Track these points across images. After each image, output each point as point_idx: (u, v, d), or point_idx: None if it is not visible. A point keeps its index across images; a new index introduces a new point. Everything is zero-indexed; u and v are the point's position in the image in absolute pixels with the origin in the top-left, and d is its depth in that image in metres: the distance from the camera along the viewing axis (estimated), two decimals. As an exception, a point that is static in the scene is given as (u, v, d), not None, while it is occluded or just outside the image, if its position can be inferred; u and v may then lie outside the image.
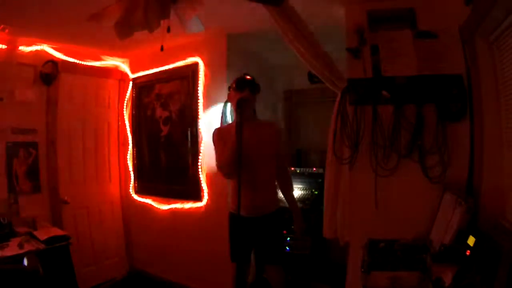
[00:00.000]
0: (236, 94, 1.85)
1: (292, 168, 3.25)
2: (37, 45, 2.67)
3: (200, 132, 2.79)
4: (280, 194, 2.14)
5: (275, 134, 2.01)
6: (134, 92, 3.34)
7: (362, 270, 1.55)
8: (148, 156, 3.24)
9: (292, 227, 2.12)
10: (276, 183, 2.07)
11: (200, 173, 2.80)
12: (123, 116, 3.40)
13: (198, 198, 2.81)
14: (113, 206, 3.35)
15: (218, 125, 2.63)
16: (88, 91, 3.15)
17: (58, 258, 2.25)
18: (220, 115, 2.68)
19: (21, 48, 2.57)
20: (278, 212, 2.02)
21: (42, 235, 2.28)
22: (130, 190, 3.37)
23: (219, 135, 1.99)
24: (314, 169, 3.17)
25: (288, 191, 2.12)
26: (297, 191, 3.03)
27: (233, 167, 1.82)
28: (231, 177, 1.91)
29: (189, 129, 2.87)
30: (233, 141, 1.76)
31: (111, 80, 3.33)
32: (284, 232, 2.42)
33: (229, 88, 1.97)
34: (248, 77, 1.91)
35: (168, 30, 1.48)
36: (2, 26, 2.26)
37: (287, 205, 2.13)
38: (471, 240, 1.28)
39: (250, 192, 1.89)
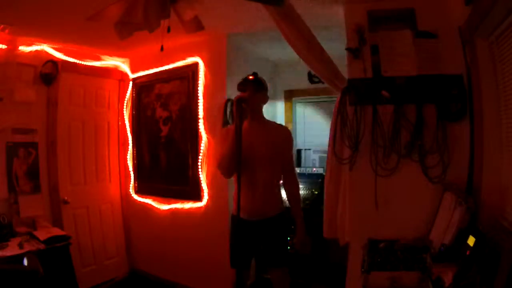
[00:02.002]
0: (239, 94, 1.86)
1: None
2: (37, 45, 2.67)
3: (200, 132, 2.79)
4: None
5: (283, 138, 1.95)
6: (134, 92, 3.34)
7: (362, 270, 1.55)
8: (148, 156, 3.24)
9: (293, 239, 2.02)
10: (280, 187, 2.02)
11: (200, 173, 2.80)
12: (123, 116, 3.40)
13: (198, 198, 2.81)
14: (113, 206, 3.35)
15: (219, 125, 2.64)
16: (88, 91, 3.15)
17: (58, 258, 2.25)
18: (221, 115, 2.68)
19: (21, 48, 2.57)
20: (280, 216, 1.95)
21: (42, 235, 2.28)
22: (130, 190, 3.37)
23: (223, 135, 1.98)
24: (314, 169, 3.17)
25: (294, 202, 2.00)
26: (297, 191, 3.03)
27: (228, 167, 1.81)
28: (229, 177, 1.90)
29: (189, 129, 2.87)
30: (230, 140, 1.75)
31: (111, 80, 3.33)
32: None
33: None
34: (251, 76, 1.90)
35: (168, 30, 1.48)
36: (2, 26, 2.26)
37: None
38: (471, 240, 1.28)
39: (250, 194, 1.86)
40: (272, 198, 1.95)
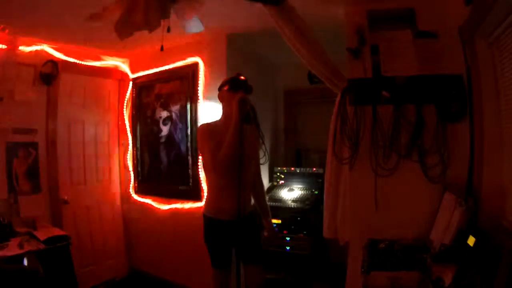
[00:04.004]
0: (230, 94, 1.85)
1: (292, 168, 3.26)
2: (37, 45, 2.67)
3: (200, 132, 2.79)
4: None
5: (256, 139, 1.97)
6: (134, 92, 3.34)
7: (362, 270, 1.55)
8: (148, 156, 3.24)
9: (264, 233, 2.14)
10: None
11: (200, 173, 2.80)
12: (123, 116, 3.40)
13: (198, 198, 2.81)
14: (113, 206, 3.35)
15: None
16: (88, 91, 3.15)
17: (58, 258, 2.25)
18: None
19: (21, 48, 2.57)
20: (253, 213, 2.05)
21: (42, 235, 2.28)
22: (130, 190, 3.37)
23: (208, 133, 1.87)
24: (314, 169, 3.17)
25: (263, 200, 2.14)
26: (297, 191, 3.03)
27: (229, 168, 1.76)
28: (225, 177, 1.85)
29: (189, 129, 2.87)
30: (232, 141, 1.73)
31: (111, 80, 3.33)
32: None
33: (220, 88, 1.97)
34: (242, 77, 1.90)
35: (168, 30, 1.48)
36: (2, 26, 2.26)
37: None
38: (471, 240, 1.28)
39: (236, 195, 1.79)
40: (249, 197, 2.03)
